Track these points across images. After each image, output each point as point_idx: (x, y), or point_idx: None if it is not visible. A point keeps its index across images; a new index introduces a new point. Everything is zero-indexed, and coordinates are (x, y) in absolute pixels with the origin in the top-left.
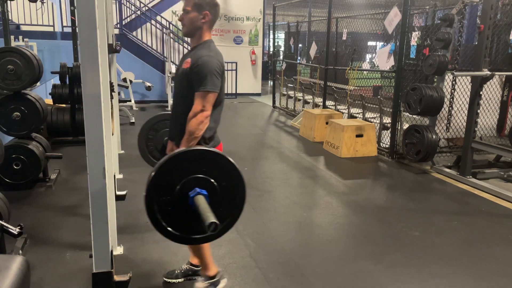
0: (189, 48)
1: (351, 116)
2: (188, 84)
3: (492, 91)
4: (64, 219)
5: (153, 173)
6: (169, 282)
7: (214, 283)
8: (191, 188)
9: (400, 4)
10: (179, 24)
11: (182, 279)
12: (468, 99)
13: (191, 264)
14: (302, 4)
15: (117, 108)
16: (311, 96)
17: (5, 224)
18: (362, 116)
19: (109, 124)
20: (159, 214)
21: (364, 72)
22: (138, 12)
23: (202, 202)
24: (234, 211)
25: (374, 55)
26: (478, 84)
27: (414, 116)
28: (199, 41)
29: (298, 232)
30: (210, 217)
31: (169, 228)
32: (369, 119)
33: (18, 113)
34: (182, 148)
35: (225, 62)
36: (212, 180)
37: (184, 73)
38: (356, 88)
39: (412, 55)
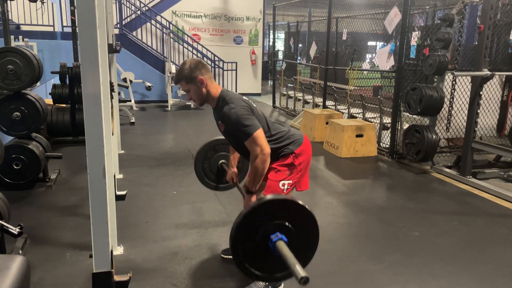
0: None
1: (351, 116)
2: (235, 136)
3: (492, 91)
4: (64, 219)
5: (240, 219)
6: (225, 258)
7: (274, 284)
8: (272, 232)
9: (400, 4)
10: (179, 24)
11: None
12: (468, 99)
13: None
14: (302, 4)
15: (117, 108)
16: (311, 96)
17: (5, 224)
18: (362, 116)
19: (109, 124)
20: (243, 256)
21: (364, 72)
22: (138, 12)
23: (285, 251)
24: (308, 254)
25: (374, 55)
26: (478, 84)
27: (414, 116)
28: (214, 100)
29: None
30: (300, 272)
31: (251, 268)
32: (369, 119)
33: (18, 113)
34: (266, 197)
35: (225, 62)
36: (290, 226)
37: (226, 132)
38: (356, 88)
39: (412, 55)
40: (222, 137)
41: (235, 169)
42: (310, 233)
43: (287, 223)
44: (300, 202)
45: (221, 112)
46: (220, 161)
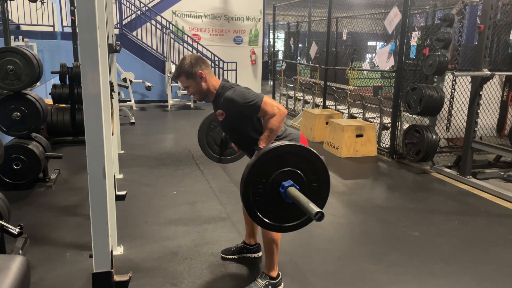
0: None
1: (351, 116)
2: (236, 123)
3: (492, 91)
4: (64, 219)
5: (252, 163)
6: (226, 258)
7: (274, 284)
8: (283, 180)
9: (400, 4)
10: (179, 24)
11: (237, 256)
12: (468, 99)
13: (246, 243)
14: (302, 4)
15: (117, 108)
16: (311, 96)
17: (5, 224)
18: (362, 116)
19: (109, 124)
20: (253, 202)
21: (364, 72)
22: (138, 12)
23: (298, 193)
24: (320, 202)
25: (374, 55)
26: (478, 84)
27: (414, 116)
28: (214, 93)
29: (298, 232)
30: (314, 208)
31: (260, 215)
32: (369, 119)
33: (18, 113)
34: (279, 143)
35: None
36: (301, 174)
37: (227, 120)
38: (356, 88)
39: (412, 55)
40: None
41: None
42: (321, 180)
43: (297, 171)
44: (309, 148)
45: (223, 98)
46: (224, 133)
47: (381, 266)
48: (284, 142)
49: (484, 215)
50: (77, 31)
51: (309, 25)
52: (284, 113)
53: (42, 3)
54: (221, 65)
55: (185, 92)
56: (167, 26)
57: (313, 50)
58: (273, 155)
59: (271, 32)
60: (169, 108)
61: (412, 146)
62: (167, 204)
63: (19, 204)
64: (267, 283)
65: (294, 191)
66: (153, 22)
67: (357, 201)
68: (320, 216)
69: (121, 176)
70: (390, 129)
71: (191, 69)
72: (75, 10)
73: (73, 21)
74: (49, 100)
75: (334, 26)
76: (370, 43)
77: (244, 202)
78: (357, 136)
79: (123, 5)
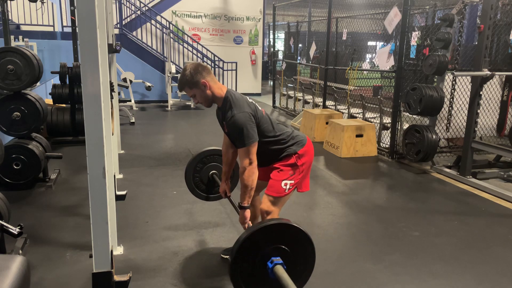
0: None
1: (351, 116)
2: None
3: (492, 91)
4: (64, 219)
5: (242, 238)
6: (225, 258)
7: None
8: (269, 257)
9: (400, 4)
10: (179, 24)
11: None
12: (468, 99)
13: None
14: (302, 4)
15: (117, 108)
16: (311, 96)
17: (5, 224)
18: (362, 116)
19: (109, 124)
20: (240, 276)
21: (364, 72)
22: (138, 12)
23: (282, 274)
24: (304, 274)
25: (374, 55)
26: (478, 84)
27: (414, 116)
28: (220, 100)
29: None
30: None
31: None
32: (369, 119)
33: (18, 113)
34: (260, 223)
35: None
36: (285, 248)
37: (229, 134)
38: (356, 88)
39: (412, 55)
40: (212, 147)
41: (228, 182)
42: (307, 253)
43: (283, 246)
44: (295, 225)
45: (226, 116)
46: (211, 172)
47: (381, 266)
48: (280, 220)
49: (484, 215)
50: (77, 31)
51: (309, 25)
52: (254, 167)
53: (42, 3)
54: (221, 65)
55: (185, 92)
56: (167, 26)
57: (313, 50)
58: (264, 232)
59: (271, 32)
60: (169, 108)
61: (412, 146)
62: (167, 204)
63: (19, 204)
64: None
65: (280, 272)
66: (153, 22)
67: (357, 201)
68: None
69: (121, 176)
70: (390, 129)
71: (192, 79)
72: (75, 10)
73: (73, 21)
74: (49, 100)
75: (334, 26)
76: (370, 43)
77: (232, 276)
78: (357, 136)
79: (123, 5)
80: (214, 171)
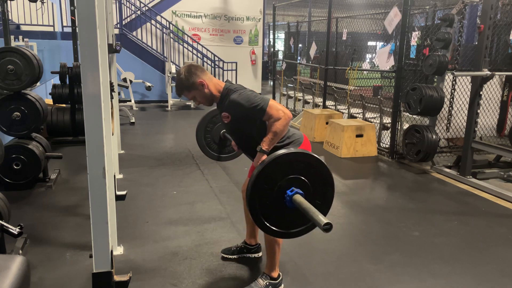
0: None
1: (351, 116)
2: (241, 126)
3: (492, 91)
4: (64, 219)
5: (256, 172)
6: (226, 257)
7: (275, 284)
8: (288, 187)
9: (400, 4)
10: (179, 24)
11: (237, 256)
12: (468, 99)
13: (246, 243)
14: (302, 4)
15: (117, 108)
16: (311, 96)
17: (5, 224)
18: (362, 116)
19: (109, 124)
20: (259, 210)
21: (364, 72)
22: (138, 12)
23: (305, 202)
24: (326, 202)
25: (374, 55)
26: (478, 84)
27: (414, 116)
28: (218, 96)
29: None
30: (322, 219)
31: (267, 224)
32: (369, 119)
33: (18, 113)
34: (281, 151)
35: (225, 62)
36: (305, 179)
37: (232, 123)
38: (356, 88)
39: (412, 55)
40: (215, 109)
41: None
42: (325, 185)
43: (302, 177)
44: (314, 155)
45: (228, 101)
46: (222, 131)
47: (381, 266)
48: (289, 150)
49: (484, 215)
50: (77, 31)
51: (309, 25)
52: (289, 117)
53: (42, 3)
54: (221, 65)
55: (184, 95)
56: (167, 26)
57: (313, 50)
58: (279, 163)
59: (271, 32)
60: (169, 108)
61: (412, 146)
62: (167, 204)
63: (19, 204)
64: (267, 283)
65: (300, 199)
66: (153, 22)
67: (357, 201)
68: (328, 228)
69: (121, 176)
70: (390, 129)
71: (188, 81)
72: (75, 10)
73: (73, 21)
74: (49, 100)
75: (334, 26)
76: (370, 43)
77: (251, 210)
78: (357, 136)
79: (123, 5)
80: (225, 130)
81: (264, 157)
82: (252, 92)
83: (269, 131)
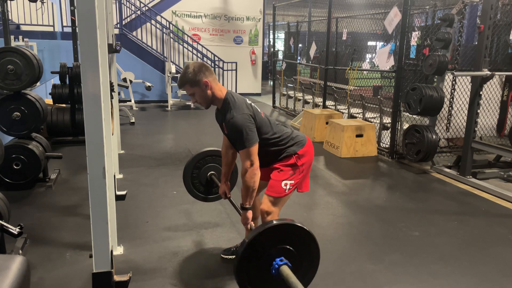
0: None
1: (351, 116)
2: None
3: (492, 91)
4: (64, 219)
5: (241, 250)
6: (225, 258)
7: None
8: (274, 258)
9: (400, 4)
10: (179, 24)
11: None
12: (468, 99)
13: None
14: (302, 4)
15: (117, 108)
16: (311, 96)
17: (5, 224)
18: (362, 116)
19: (109, 124)
20: (247, 279)
21: (364, 72)
22: (138, 12)
23: (288, 274)
24: (309, 273)
25: (374, 55)
26: (478, 84)
27: (414, 116)
28: (220, 102)
29: None
30: None
31: None
32: (369, 119)
33: (18, 113)
34: (265, 224)
35: (225, 62)
36: (290, 248)
37: (228, 136)
38: (356, 88)
39: (412, 55)
40: (210, 148)
41: (227, 183)
42: (312, 252)
43: (288, 246)
44: (299, 224)
45: (226, 118)
46: (209, 173)
47: (381, 266)
48: (284, 221)
49: (484, 215)
50: (77, 31)
51: (309, 25)
52: (256, 168)
53: (42, 3)
54: (221, 65)
55: (185, 92)
56: (167, 26)
57: (313, 50)
58: (270, 232)
59: (271, 32)
60: (169, 108)
61: (412, 146)
62: (167, 204)
63: (19, 204)
64: None
65: (287, 271)
66: (153, 22)
67: (357, 201)
68: None
69: (121, 176)
70: (390, 129)
71: (194, 77)
72: (75, 10)
73: (73, 21)
74: (49, 100)
75: (334, 26)
76: (370, 43)
77: (238, 280)
78: (357, 136)
79: (123, 5)
80: (212, 172)
81: (248, 213)
82: (247, 117)
83: (243, 185)
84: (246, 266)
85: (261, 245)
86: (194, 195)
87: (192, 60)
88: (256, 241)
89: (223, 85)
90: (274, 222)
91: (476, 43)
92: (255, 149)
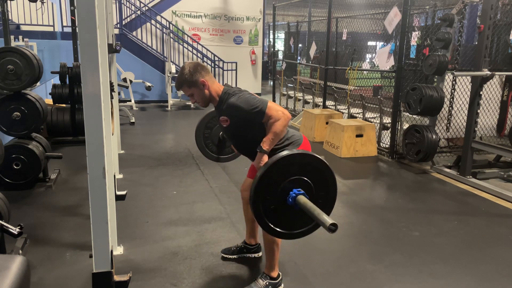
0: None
1: (351, 116)
2: (241, 129)
3: (492, 91)
4: (64, 219)
5: (259, 175)
6: (226, 257)
7: (275, 284)
8: (291, 189)
9: (400, 4)
10: (179, 24)
11: (237, 256)
12: (468, 99)
13: (246, 243)
14: (302, 4)
15: (117, 108)
16: (311, 96)
17: (5, 224)
18: (362, 116)
19: (109, 124)
20: (263, 212)
21: (364, 72)
22: (138, 12)
23: (308, 203)
24: (329, 202)
25: (374, 55)
26: (478, 84)
27: (414, 116)
28: (217, 99)
29: None
30: (327, 219)
31: (271, 225)
32: (369, 119)
33: (18, 113)
34: (283, 153)
35: (225, 62)
36: (307, 179)
37: (231, 126)
38: (356, 88)
39: (412, 55)
40: (207, 114)
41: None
42: (327, 183)
43: (304, 178)
44: (316, 155)
45: (227, 104)
46: (221, 132)
47: (381, 266)
48: (291, 151)
49: (484, 215)
50: (77, 31)
51: (309, 25)
52: (288, 117)
53: (42, 3)
54: (221, 65)
55: (183, 91)
56: (167, 26)
57: (313, 50)
58: (281, 164)
59: (271, 32)
60: (169, 108)
61: (412, 146)
62: (167, 204)
63: (19, 204)
64: (267, 283)
65: (304, 200)
66: (153, 22)
67: (357, 201)
68: (334, 229)
69: (121, 176)
70: (390, 129)
71: (191, 77)
72: (75, 10)
73: (73, 21)
74: (49, 100)
75: (334, 26)
76: (370, 43)
77: (255, 212)
78: (357, 136)
79: (123, 5)
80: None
81: (265, 157)
82: (250, 94)
83: (269, 131)
84: (262, 201)
85: (275, 177)
86: (206, 154)
87: (192, 60)
88: (267, 175)
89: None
90: (284, 153)
91: (476, 43)
92: (272, 104)
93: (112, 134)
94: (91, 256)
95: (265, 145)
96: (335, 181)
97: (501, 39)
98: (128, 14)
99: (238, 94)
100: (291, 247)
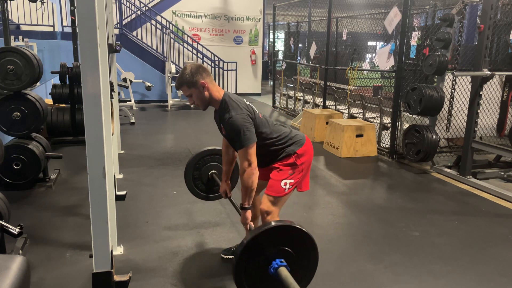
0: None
1: (351, 116)
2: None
3: (492, 91)
4: (64, 219)
5: (247, 241)
6: (225, 258)
7: None
8: (273, 259)
9: (400, 4)
10: (179, 24)
11: None
12: (468, 99)
13: None
14: (302, 4)
15: (117, 108)
16: (311, 96)
17: (5, 224)
18: (362, 116)
19: (109, 124)
20: (244, 277)
21: (364, 72)
22: (138, 12)
23: (286, 275)
24: (308, 275)
25: (374, 55)
26: (478, 84)
27: (414, 116)
28: (218, 103)
29: None
30: None
31: None
32: (369, 119)
33: (18, 113)
34: (264, 225)
35: (225, 62)
36: (289, 249)
37: (227, 136)
38: (356, 88)
39: (412, 55)
40: (212, 147)
41: (228, 182)
42: (310, 254)
43: (287, 248)
44: (298, 226)
45: (224, 118)
46: (211, 172)
47: (381, 266)
48: (283, 222)
49: (484, 215)
50: (77, 31)
51: (309, 25)
52: (254, 168)
53: (42, 3)
54: (221, 65)
55: (182, 91)
56: (167, 26)
57: (313, 50)
58: (269, 234)
59: (271, 32)
60: (169, 108)
61: (412, 146)
62: (167, 204)
63: (19, 204)
64: None
65: (285, 274)
66: (153, 22)
67: (357, 201)
68: None
69: (121, 176)
70: (390, 129)
71: (192, 78)
72: (75, 10)
73: (73, 21)
74: (49, 100)
75: (334, 26)
76: (370, 43)
77: (236, 277)
78: (357, 136)
79: (123, 5)
80: (213, 171)
81: (248, 213)
82: (245, 117)
83: (242, 185)
84: (244, 266)
85: (259, 246)
86: (195, 193)
87: (192, 60)
88: (254, 242)
89: (223, 85)
90: (273, 223)
91: (476, 43)
92: (253, 149)
93: (112, 134)
94: (91, 256)
95: (244, 202)
96: (317, 253)
97: (501, 39)
98: (128, 14)
99: (233, 111)
100: None
